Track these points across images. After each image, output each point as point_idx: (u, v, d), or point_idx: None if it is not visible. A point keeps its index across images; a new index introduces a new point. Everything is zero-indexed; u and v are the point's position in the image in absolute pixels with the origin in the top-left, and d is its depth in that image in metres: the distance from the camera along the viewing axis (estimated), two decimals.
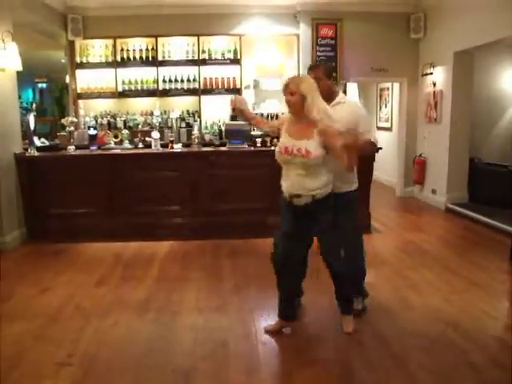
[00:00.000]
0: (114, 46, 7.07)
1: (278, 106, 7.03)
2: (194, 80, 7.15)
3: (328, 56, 7.04)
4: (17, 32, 5.02)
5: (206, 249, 4.86)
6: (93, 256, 4.72)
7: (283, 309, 3.03)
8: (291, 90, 2.75)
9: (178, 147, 5.67)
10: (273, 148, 5.37)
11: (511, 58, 7.23)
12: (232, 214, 5.16)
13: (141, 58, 7.11)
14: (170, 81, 7.15)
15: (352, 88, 7.28)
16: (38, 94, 12.82)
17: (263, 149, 5.29)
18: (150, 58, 7.10)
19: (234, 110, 3.15)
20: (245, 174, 5.10)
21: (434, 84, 6.87)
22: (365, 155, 3.06)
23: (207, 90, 7.16)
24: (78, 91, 7.14)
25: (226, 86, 7.18)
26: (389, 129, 8.73)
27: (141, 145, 5.87)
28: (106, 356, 2.77)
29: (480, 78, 7.02)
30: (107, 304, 3.50)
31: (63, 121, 5.74)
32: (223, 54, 7.13)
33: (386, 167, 8.46)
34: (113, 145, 5.84)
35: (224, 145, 5.66)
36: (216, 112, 7.14)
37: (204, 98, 7.18)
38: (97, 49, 7.11)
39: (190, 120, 7.09)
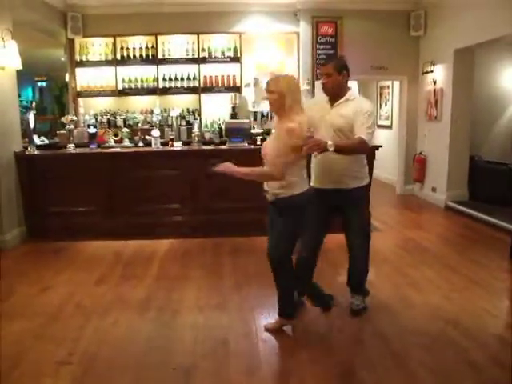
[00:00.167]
0: (114, 44, 7.06)
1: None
2: (194, 78, 7.14)
3: (328, 54, 7.03)
4: (16, 30, 5.01)
5: (206, 247, 4.87)
6: (93, 254, 4.73)
7: (283, 307, 3.03)
8: (270, 89, 2.76)
9: (178, 145, 5.67)
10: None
11: None
12: (232, 212, 5.16)
13: (141, 56, 7.10)
14: (170, 79, 7.14)
15: (352, 86, 7.26)
16: (38, 92, 12.81)
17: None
18: (150, 56, 7.09)
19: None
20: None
21: (435, 82, 6.86)
22: (357, 153, 3.05)
23: (207, 88, 7.15)
24: (78, 89, 7.14)
25: (226, 84, 7.18)
26: (389, 127, 8.72)
27: (141, 143, 5.86)
28: (107, 354, 2.77)
29: (480, 75, 7.01)
30: (107, 302, 3.50)
31: (63, 119, 5.72)
32: (223, 52, 7.12)
33: (386, 165, 8.46)
34: (113, 143, 5.84)
35: (224, 143, 5.66)
36: (216, 110, 7.13)
37: (204, 96, 7.18)
38: (96, 47, 7.10)
39: (190, 118, 7.07)
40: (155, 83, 7.12)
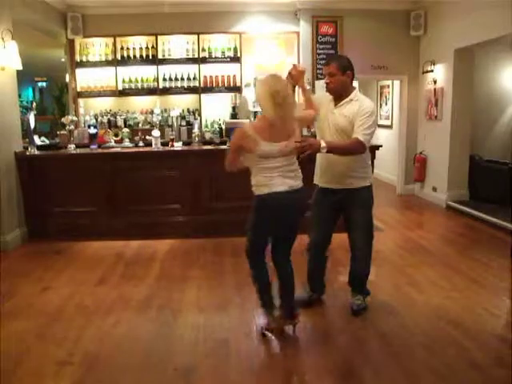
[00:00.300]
0: (114, 44, 7.06)
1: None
2: (194, 78, 7.14)
3: (328, 54, 7.02)
4: (16, 31, 5.01)
5: (206, 247, 4.87)
6: (94, 255, 4.73)
7: (285, 307, 3.02)
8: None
9: (178, 146, 5.67)
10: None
11: None
12: (233, 212, 5.14)
13: (141, 56, 7.10)
14: (170, 79, 7.14)
15: (354, 86, 7.28)
16: (38, 92, 12.83)
17: None
18: (150, 57, 7.08)
19: (290, 74, 3.08)
20: (245, 171, 5.09)
21: (435, 81, 6.85)
22: (352, 154, 3.04)
23: (207, 88, 7.15)
24: (78, 90, 7.14)
25: (226, 84, 7.18)
26: (389, 126, 8.72)
27: (141, 143, 5.87)
28: (107, 355, 2.77)
29: (481, 75, 7.02)
30: (108, 303, 3.50)
31: (63, 119, 5.72)
32: (223, 52, 7.12)
33: (387, 165, 8.46)
34: (113, 143, 5.85)
35: (224, 143, 5.66)
36: (216, 110, 7.14)
37: (204, 96, 7.17)
38: (97, 47, 7.10)
39: (191, 118, 7.07)
40: (155, 83, 7.12)
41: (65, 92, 9.32)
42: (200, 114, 7.17)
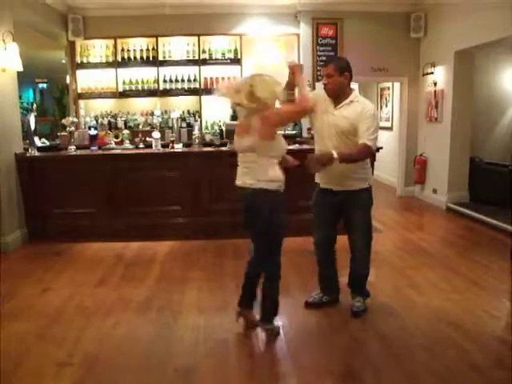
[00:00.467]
0: (115, 46, 7.08)
1: (278, 105, 7.01)
2: (195, 80, 7.15)
3: (328, 56, 7.03)
4: (17, 32, 5.02)
5: (207, 249, 4.87)
6: (94, 256, 4.73)
7: None
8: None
9: (178, 147, 5.67)
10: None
11: None
12: (233, 213, 5.13)
13: (141, 57, 7.11)
14: (171, 81, 7.15)
15: (352, 87, 7.30)
16: (39, 94, 12.85)
17: None
18: (151, 58, 7.10)
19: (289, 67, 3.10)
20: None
21: (435, 83, 6.86)
22: (362, 159, 3.05)
23: (208, 90, 7.15)
24: (79, 91, 7.15)
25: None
26: (389, 128, 8.73)
27: (141, 145, 5.87)
28: (107, 356, 2.77)
29: (481, 77, 7.03)
30: (108, 304, 3.50)
31: (64, 121, 5.73)
32: (224, 54, 7.13)
33: (387, 167, 8.47)
34: (113, 145, 5.84)
35: (225, 145, 5.66)
36: (217, 112, 7.14)
37: (204, 97, 7.18)
38: (97, 49, 7.12)
39: (191, 120, 7.08)
40: (156, 85, 7.14)
41: (65, 93, 9.34)
42: (200, 116, 7.19)
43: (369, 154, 3.00)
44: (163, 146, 5.57)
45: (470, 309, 3.35)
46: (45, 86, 12.60)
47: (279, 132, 2.88)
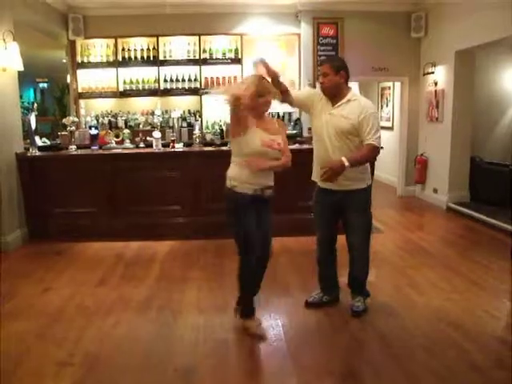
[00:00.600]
0: (115, 45, 7.07)
1: (279, 105, 7.02)
2: (195, 79, 7.15)
3: (329, 55, 7.02)
4: (18, 32, 5.02)
5: (207, 248, 4.87)
6: (94, 255, 4.73)
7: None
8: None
9: (179, 147, 5.67)
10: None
11: None
12: None
13: (142, 57, 7.11)
14: (172, 80, 7.15)
15: (353, 87, 7.30)
16: (39, 93, 12.86)
17: None
18: (151, 58, 7.10)
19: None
20: None
21: (436, 83, 6.86)
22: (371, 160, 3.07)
23: (208, 90, 7.14)
24: (79, 91, 7.15)
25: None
26: (390, 128, 8.72)
27: (142, 144, 5.87)
28: (108, 355, 2.78)
29: (481, 77, 7.02)
30: (109, 303, 3.51)
31: (64, 120, 5.73)
32: (224, 54, 7.13)
33: (388, 166, 8.46)
34: (114, 144, 5.85)
35: (225, 144, 5.66)
36: (217, 111, 7.14)
37: (205, 97, 7.18)
38: (98, 48, 7.12)
39: (192, 119, 7.08)
40: (156, 84, 7.13)
41: (66, 93, 9.35)
42: (201, 116, 7.18)
43: (377, 153, 3.03)
44: (164, 145, 5.58)
45: (470, 309, 3.35)
46: (45, 85, 12.61)
47: (253, 131, 2.86)
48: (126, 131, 6.07)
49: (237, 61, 7.14)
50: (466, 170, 6.72)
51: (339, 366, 2.65)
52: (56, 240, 5.07)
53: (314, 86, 6.91)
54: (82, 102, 7.16)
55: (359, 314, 3.22)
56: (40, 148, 5.48)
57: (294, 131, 6.82)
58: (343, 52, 7.04)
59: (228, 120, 6.34)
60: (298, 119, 6.95)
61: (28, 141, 5.42)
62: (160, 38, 7.07)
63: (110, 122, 7.03)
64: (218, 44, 7.14)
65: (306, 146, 5.25)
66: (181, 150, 5.57)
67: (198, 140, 5.78)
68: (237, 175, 2.88)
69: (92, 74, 7.13)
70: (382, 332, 3.02)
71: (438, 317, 3.22)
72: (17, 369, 2.62)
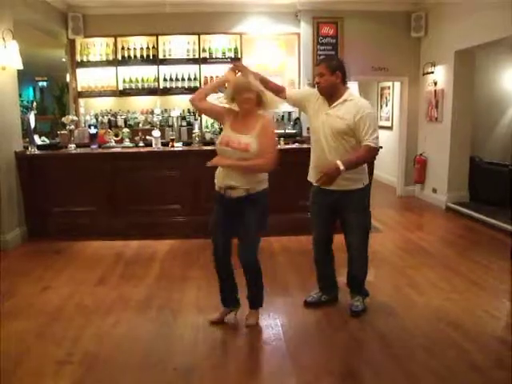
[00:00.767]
0: (115, 44, 7.06)
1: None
2: (195, 78, 7.14)
3: (329, 55, 7.01)
4: (17, 30, 5.01)
5: (206, 247, 4.80)
6: (93, 254, 4.72)
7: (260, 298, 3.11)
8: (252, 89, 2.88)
9: (178, 146, 5.67)
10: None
11: None
12: None
13: (141, 56, 7.10)
14: (171, 79, 7.14)
15: (353, 87, 7.31)
16: (39, 92, 12.84)
17: None
18: (151, 57, 7.09)
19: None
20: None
21: (435, 83, 6.86)
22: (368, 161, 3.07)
23: None
24: (79, 90, 7.14)
25: (226, 85, 7.16)
26: (389, 128, 8.72)
27: (141, 143, 5.87)
28: (107, 354, 2.77)
29: (481, 77, 7.02)
30: (108, 302, 3.50)
31: (64, 119, 5.73)
32: (224, 53, 7.12)
33: (387, 166, 8.46)
34: (113, 143, 5.85)
35: None
36: None
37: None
38: (97, 47, 7.10)
39: (191, 118, 7.08)
40: (156, 83, 7.12)
41: (65, 92, 9.33)
42: (200, 115, 7.17)
43: (374, 154, 3.02)
44: (163, 144, 5.58)
45: (469, 309, 3.35)
46: (45, 84, 12.58)
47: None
48: (126, 130, 6.06)
49: (236, 60, 7.12)
50: (466, 170, 6.72)
51: (338, 365, 2.65)
52: (55, 239, 5.06)
53: (314, 86, 6.91)
54: (81, 100, 7.16)
55: (358, 314, 3.22)
56: (39, 147, 5.48)
57: (294, 131, 6.82)
58: (343, 52, 7.04)
59: None
60: (298, 119, 6.95)
61: (27, 139, 5.41)
62: (160, 37, 7.06)
63: (109, 120, 7.03)
64: (217, 43, 7.14)
65: (305, 146, 5.25)
66: (180, 149, 5.57)
67: (197, 139, 5.78)
68: (216, 173, 2.97)
69: (91, 73, 7.12)
70: (382, 332, 3.02)
71: (437, 317, 3.22)
72: (16, 368, 2.62)
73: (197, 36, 7.07)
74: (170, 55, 7.11)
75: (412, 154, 7.54)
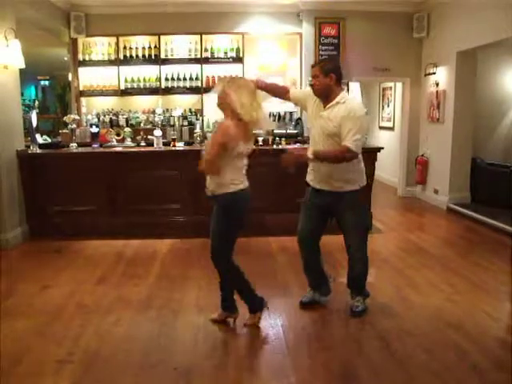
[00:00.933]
0: (117, 43, 7.08)
1: (279, 104, 7.02)
2: (197, 78, 7.15)
3: (331, 55, 7.02)
4: (20, 29, 5.01)
5: (207, 247, 4.81)
6: (94, 253, 4.73)
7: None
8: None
9: (180, 145, 5.67)
10: (274, 147, 5.36)
11: None
12: None
13: (143, 55, 7.11)
14: (173, 79, 7.15)
15: (354, 87, 7.29)
16: (41, 91, 12.85)
17: (264, 148, 5.27)
18: (153, 56, 7.10)
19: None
20: (245, 173, 5.10)
21: (437, 84, 6.85)
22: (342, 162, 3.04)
23: (209, 89, 7.14)
24: (81, 89, 7.16)
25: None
26: (391, 128, 8.72)
27: (143, 143, 5.87)
28: (107, 353, 2.78)
29: (483, 78, 7.01)
30: (108, 302, 3.51)
31: (65, 118, 5.73)
32: (226, 53, 7.13)
33: (388, 167, 8.46)
34: (115, 143, 5.85)
35: None
36: (218, 110, 7.09)
37: (206, 96, 7.17)
38: (99, 46, 7.13)
39: (193, 118, 7.09)
40: (158, 83, 7.14)
41: (67, 91, 9.33)
42: (202, 114, 7.18)
43: (350, 156, 2.95)
44: (165, 144, 5.58)
45: (470, 310, 3.34)
46: (47, 83, 12.59)
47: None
48: (127, 129, 6.07)
49: (238, 60, 7.14)
50: (467, 171, 6.72)
51: (338, 366, 2.65)
52: (56, 238, 5.07)
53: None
54: (83, 99, 7.18)
55: (359, 314, 3.22)
56: (41, 146, 5.48)
57: (295, 131, 6.82)
58: (345, 52, 7.04)
59: None
60: (299, 119, 6.95)
61: (29, 138, 5.41)
62: (161, 37, 7.07)
63: (111, 120, 7.04)
64: (219, 43, 7.14)
65: (306, 146, 5.23)
66: (182, 148, 5.57)
67: (198, 139, 5.78)
68: None
69: (93, 72, 7.13)
70: (382, 332, 3.02)
71: (437, 317, 3.22)
72: (16, 367, 2.62)
73: (199, 36, 7.08)
74: (171, 55, 7.12)
75: (413, 154, 7.54)
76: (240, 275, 3.04)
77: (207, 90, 7.12)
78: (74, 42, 7.06)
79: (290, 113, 7.19)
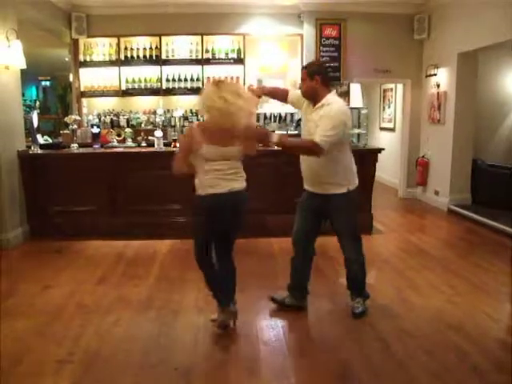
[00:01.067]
0: (118, 44, 7.09)
1: (280, 106, 7.03)
2: (198, 79, 7.16)
3: (332, 56, 7.04)
4: (21, 30, 5.02)
5: None
6: (95, 254, 4.73)
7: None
8: None
9: None
10: (275, 148, 5.35)
11: None
12: None
13: (144, 56, 7.12)
14: (174, 80, 7.16)
15: (355, 88, 7.28)
16: (42, 91, 12.87)
17: (264, 149, 5.26)
18: (154, 57, 7.11)
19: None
20: (246, 173, 5.10)
21: (438, 85, 6.85)
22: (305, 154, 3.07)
23: None
24: (82, 89, 7.16)
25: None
26: (392, 129, 8.72)
27: (144, 143, 5.88)
28: (107, 354, 2.77)
29: (484, 79, 7.01)
30: (109, 302, 3.51)
31: (66, 119, 5.74)
32: (227, 54, 7.14)
33: (389, 168, 8.46)
34: (116, 143, 5.85)
35: None
36: None
37: None
38: (100, 47, 7.13)
39: (193, 119, 7.08)
40: (159, 84, 7.14)
41: (68, 91, 9.34)
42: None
43: (315, 151, 2.90)
44: (165, 144, 5.58)
45: (470, 311, 3.34)
46: (48, 83, 12.62)
47: None
48: (128, 130, 6.07)
49: (239, 61, 7.14)
50: (468, 173, 6.71)
51: (339, 367, 2.65)
52: (57, 238, 5.07)
53: None
54: (84, 100, 7.18)
55: (359, 316, 3.22)
56: (42, 146, 5.49)
57: (296, 132, 6.82)
58: (346, 53, 7.05)
59: None
60: (300, 120, 6.95)
61: (30, 139, 5.42)
62: (162, 38, 7.08)
63: (112, 120, 7.05)
64: (220, 44, 7.15)
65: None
66: None
67: None
68: None
69: (94, 73, 7.14)
70: (382, 333, 3.01)
71: (438, 319, 3.22)
72: (17, 366, 2.62)
73: (200, 36, 7.08)
74: (172, 56, 7.13)
75: (414, 155, 7.53)
76: (209, 278, 3.05)
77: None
78: (75, 42, 7.07)
79: (291, 114, 7.20)
